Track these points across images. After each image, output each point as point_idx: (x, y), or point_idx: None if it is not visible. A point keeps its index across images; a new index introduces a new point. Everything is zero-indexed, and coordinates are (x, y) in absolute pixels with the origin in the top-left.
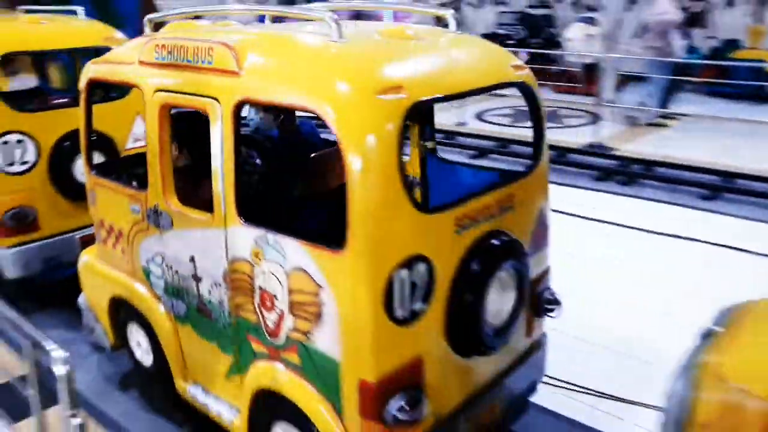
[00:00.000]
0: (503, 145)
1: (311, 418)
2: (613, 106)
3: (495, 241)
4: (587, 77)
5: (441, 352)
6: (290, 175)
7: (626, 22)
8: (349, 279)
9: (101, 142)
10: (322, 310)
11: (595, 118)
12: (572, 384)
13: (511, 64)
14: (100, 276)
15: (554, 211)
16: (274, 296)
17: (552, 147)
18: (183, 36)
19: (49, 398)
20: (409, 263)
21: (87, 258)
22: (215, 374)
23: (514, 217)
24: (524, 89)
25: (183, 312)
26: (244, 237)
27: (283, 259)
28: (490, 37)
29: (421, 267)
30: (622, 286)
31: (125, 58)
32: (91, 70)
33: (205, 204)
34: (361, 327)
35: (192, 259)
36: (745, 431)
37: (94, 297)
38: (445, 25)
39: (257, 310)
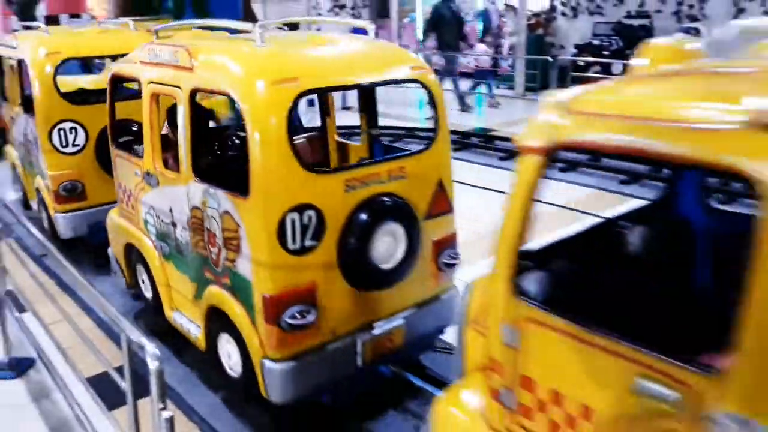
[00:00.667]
0: (595, 158)
1: (237, 326)
2: None
3: (382, 200)
4: None
5: (337, 283)
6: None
7: None
8: (253, 219)
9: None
10: (238, 243)
11: None
12: None
13: (410, 65)
14: (118, 228)
15: None
16: (215, 234)
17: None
18: (164, 42)
19: (142, 389)
20: (299, 209)
21: (111, 215)
22: (187, 301)
23: (405, 185)
24: (423, 86)
25: (167, 252)
26: (197, 190)
27: (218, 206)
28: (584, 47)
29: (311, 213)
30: None
31: (132, 59)
32: (113, 69)
33: (177, 167)
34: (263, 255)
35: (170, 209)
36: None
37: (115, 245)
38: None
39: (207, 246)
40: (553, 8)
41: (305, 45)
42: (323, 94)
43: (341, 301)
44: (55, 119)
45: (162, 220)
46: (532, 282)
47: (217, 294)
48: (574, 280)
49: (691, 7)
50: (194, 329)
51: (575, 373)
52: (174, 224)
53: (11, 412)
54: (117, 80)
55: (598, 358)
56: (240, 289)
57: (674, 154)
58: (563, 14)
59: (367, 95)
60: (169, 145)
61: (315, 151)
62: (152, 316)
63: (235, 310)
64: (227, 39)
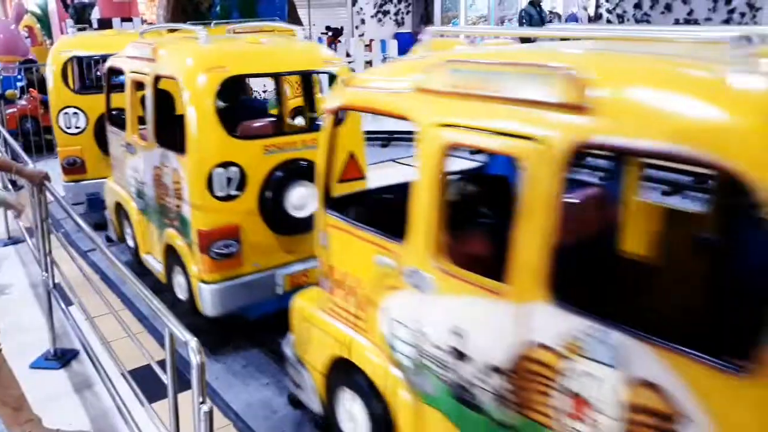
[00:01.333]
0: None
1: (182, 257)
2: None
3: (295, 163)
4: None
5: (258, 226)
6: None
7: None
8: (189, 172)
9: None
10: (182, 191)
11: None
12: None
13: (324, 59)
14: (111, 191)
15: None
16: (168, 186)
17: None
18: (140, 41)
19: (182, 384)
20: (224, 165)
21: (107, 182)
22: (154, 244)
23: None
24: (332, 77)
25: (141, 206)
26: (158, 153)
27: (170, 164)
28: None
29: (234, 169)
30: None
31: (120, 55)
32: (107, 62)
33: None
34: (197, 200)
35: (142, 171)
36: None
37: (109, 206)
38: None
39: (163, 197)
40: (599, 16)
41: (239, 44)
42: (279, 83)
43: (262, 241)
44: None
45: (137, 180)
46: (335, 203)
47: (170, 234)
48: (360, 200)
49: (742, 15)
50: (158, 266)
51: (350, 257)
52: (144, 183)
53: (55, 402)
54: (111, 72)
55: (359, 245)
56: (184, 228)
57: (383, 111)
58: (609, 21)
59: (305, 84)
60: (143, 121)
61: (266, 129)
62: (134, 261)
63: (179, 244)
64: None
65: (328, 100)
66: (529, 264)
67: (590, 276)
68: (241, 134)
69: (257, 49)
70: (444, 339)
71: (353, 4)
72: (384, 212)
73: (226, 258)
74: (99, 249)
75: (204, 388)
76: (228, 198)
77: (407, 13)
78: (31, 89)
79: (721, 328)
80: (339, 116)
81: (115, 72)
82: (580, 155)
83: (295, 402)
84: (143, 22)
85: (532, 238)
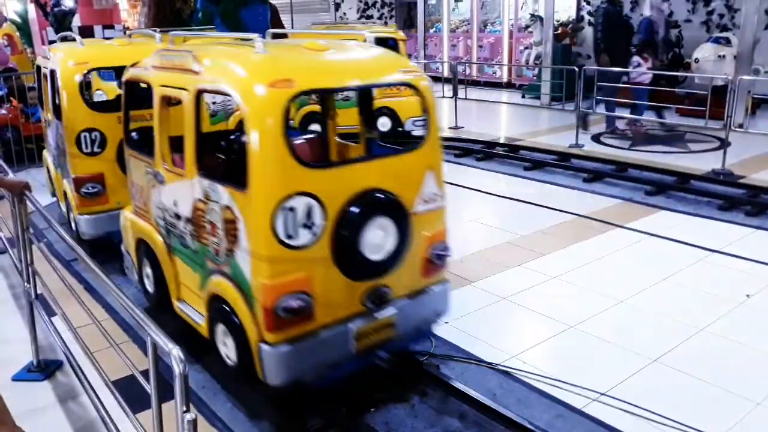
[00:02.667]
0: (621, 169)
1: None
2: (743, 131)
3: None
4: (715, 100)
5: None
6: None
7: (764, 41)
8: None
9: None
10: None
11: (723, 144)
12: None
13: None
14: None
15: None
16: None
17: (673, 173)
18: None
19: (166, 393)
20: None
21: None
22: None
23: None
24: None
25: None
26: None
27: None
28: None
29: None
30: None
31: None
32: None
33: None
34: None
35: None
36: None
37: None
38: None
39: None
40: (580, 18)
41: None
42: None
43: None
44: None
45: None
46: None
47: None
48: (140, 137)
49: (721, 16)
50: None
51: (137, 172)
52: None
53: (39, 414)
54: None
55: (139, 163)
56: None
57: (143, 80)
58: (590, 24)
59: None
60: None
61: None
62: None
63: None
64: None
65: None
66: (190, 158)
67: (212, 162)
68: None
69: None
70: (172, 209)
71: (337, 9)
72: (146, 143)
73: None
74: (80, 259)
75: (187, 397)
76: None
77: (390, 17)
78: (11, 98)
79: (242, 176)
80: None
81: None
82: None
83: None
84: (125, 29)
85: (189, 144)
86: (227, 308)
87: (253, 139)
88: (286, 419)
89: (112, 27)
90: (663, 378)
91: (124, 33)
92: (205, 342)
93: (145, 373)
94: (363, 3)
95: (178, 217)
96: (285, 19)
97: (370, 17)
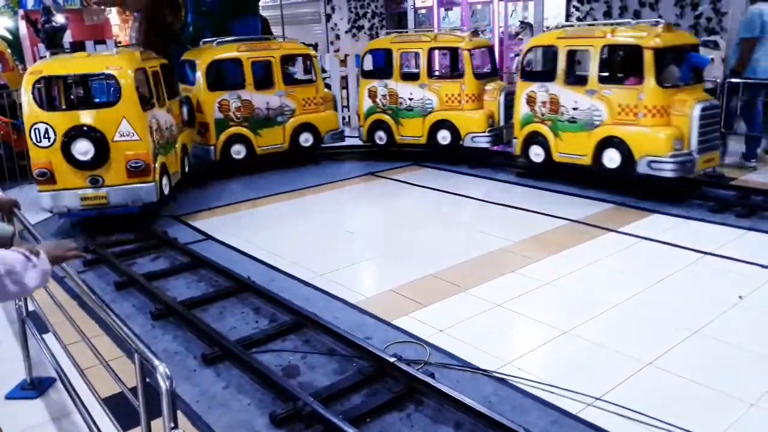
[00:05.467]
0: None
1: None
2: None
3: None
4: None
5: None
6: None
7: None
8: None
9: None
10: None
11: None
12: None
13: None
14: None
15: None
16: None
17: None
18: None
19: (155, 410)
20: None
21: None
22: None
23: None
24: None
25: None
26: None
27: None
28: None
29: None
30: None
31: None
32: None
33: None
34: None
35: None
36: None
37: None
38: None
39: None
40: (570, 24)
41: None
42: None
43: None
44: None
45: None
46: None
47: None
48: None
49: (709, 20)
50: None
51: None
52: None
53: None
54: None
55: None
56: None
57: None
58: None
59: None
60: None
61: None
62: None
63: None
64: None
65: None
66: None
67: None
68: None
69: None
70: None
71: (328, 21)
72: None
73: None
74: (69, 276)
75: (175, 414)
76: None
77: (381, 27)
78: (2, 115)
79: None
80: None
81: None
82: None
83: (278, 421)
84: (117, 44)
85: None
86: None
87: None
88: None
89: (103, 42)
90: (657, 381)
91: (116, 47)
92: (202, 357)
93: (135, 390)
94: (354, 14)
95: None
96: (276, 30)
97: (360, 28)
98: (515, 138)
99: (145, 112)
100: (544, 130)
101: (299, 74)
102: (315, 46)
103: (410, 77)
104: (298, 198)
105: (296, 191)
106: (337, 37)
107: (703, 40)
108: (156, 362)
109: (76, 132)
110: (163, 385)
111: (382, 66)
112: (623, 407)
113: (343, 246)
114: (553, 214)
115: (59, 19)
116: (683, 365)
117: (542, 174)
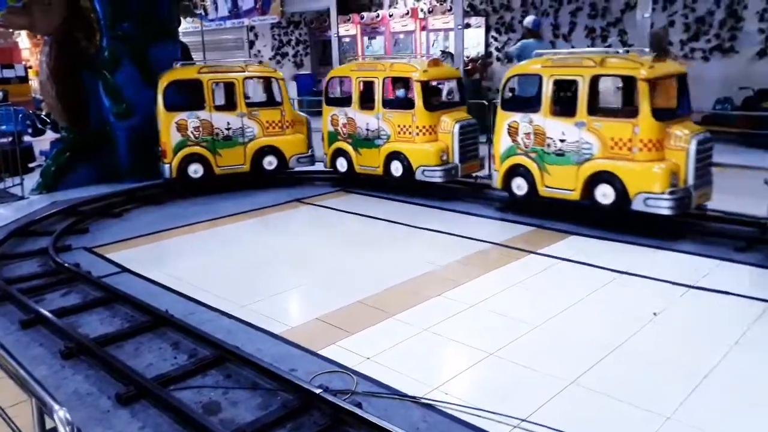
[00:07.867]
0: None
1: None
2: None
3: None
4: None
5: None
6: None
7: None
8: None
9: None
10: None
11: None
12: None
13: None
14: None
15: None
16: None
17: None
18: None
19: None
20: None
21: None
22: None
23: None
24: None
25: None
26: None
27: None
28: None
29: None
30: None
31: None
32: None
33: None
34: None
35: None
36: None
37: None
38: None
39: None
40: (489, 53)
41: None
42: None
43: None
44: None
45: None
46: None
47: None
48: None
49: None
50: None
51: None
52: None
53: None
54: None
55: None
56: None
57: None
58: (498, 59)
59: None
60: None
61: None
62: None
63: None
64: None
65: None
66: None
67: None
68: None
69: None
70: None
71: (251, 47)
72: None
73: None
74: None
75: None
76: None
77: (305, 54)
78: None
79: None
80: None
81: None
82: None
83: None
84: (26, 68)
85: None
86: None
87: None
88: None
89: (12, 66)
90: (580, 399)
91: (25, 72)
92: (116, 397)
93: None
94: (278, 41)
95: None
96: (197, 57)
97: (285, 55)
98: (496, 171)
99: None
100: (528, 162)
101: (259, 97)
102: None
103: (368, 106)
104: (220, 226)
105: (219, 219)
106: (261, 63)
107: None
108: (55, 406)
109: None
110: (63, 430)
111: (344, 94)
112: (548, 427)
113: (266, 275)
114: (475, 237)
115: None
116: (604, 382)
117: (524, 208)
